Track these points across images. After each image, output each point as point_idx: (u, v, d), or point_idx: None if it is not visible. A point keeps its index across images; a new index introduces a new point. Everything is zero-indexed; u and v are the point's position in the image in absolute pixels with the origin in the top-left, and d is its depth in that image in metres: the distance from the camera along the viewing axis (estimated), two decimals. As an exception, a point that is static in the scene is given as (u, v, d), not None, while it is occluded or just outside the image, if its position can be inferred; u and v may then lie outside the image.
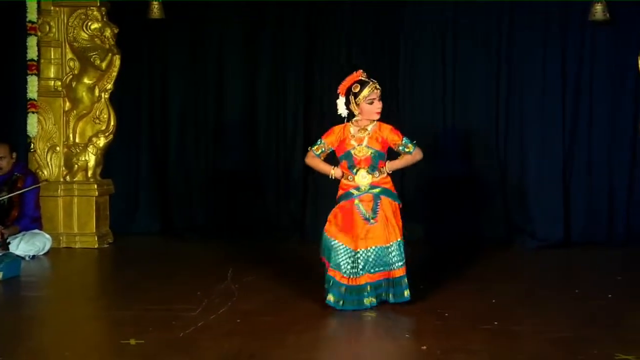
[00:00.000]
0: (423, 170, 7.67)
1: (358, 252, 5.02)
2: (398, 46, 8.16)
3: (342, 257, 5.01)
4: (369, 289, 5.00)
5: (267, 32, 8.47)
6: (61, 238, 7.80)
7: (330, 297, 4.98)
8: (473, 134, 8.10)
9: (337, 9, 8.32)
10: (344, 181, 5.21)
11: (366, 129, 5.17)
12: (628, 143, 7.81)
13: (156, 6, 7.86)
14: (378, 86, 5.15)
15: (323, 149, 5.30)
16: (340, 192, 5.23)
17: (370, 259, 5.01)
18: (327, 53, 8.36)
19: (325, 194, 8.21)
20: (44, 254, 7.32)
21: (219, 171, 8.54)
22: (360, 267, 5.00)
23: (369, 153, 5.13)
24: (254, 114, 8.52)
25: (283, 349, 4.23)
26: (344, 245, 5.03)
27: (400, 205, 5.19)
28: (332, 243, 5.04)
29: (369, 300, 5.00)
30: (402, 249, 5.05)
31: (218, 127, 8.56)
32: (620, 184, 7.85)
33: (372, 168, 5.13)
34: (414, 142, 5.20)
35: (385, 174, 5.18)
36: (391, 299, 5.08)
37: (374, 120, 5.18)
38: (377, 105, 5.13)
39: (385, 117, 5.29)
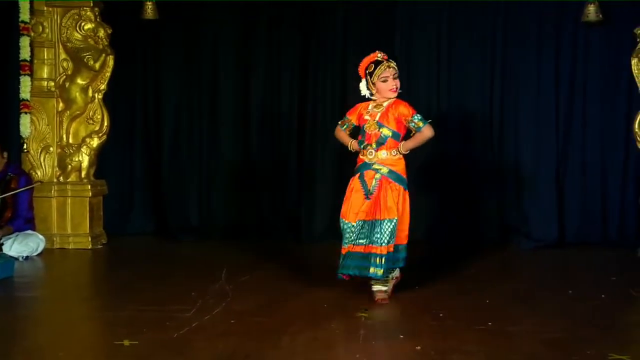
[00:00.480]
0: (418, 171, 7.69)
1: (352, 224, 5.22)
2: (393, 46, 8.17)
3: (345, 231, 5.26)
4: (347, 259, 5.21)
5: (262, 32, 8.47)
6: (55, 239, 7.78)
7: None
8: (467, 134, 8.12)
9: (332, 9, 8.32)
10: (360, 155, 5.39)
11: (382, 105, 5.32)
12: (622, 143, 7.83)
13: (150, 6, 7.87)
14: (393, 64, 5.27)
15: (347, 124, 5.52)
16: (357, 163, 5.42)
17: (360, 232, 5.20)
18: (321, 53, 8.37)
19: (321, 194, 8.27)
20: (38, 254, 7.31)
21: (213, 171, 8.55)
22: (353, 237, 5.21)
23: (378, 128, 5.26)
24: (248, 114, 8.52)
25: (278, 350, 4.23)
26: (346, 221, 5.27)
27: (406, 192, 5.28)
28: (341, 223, 5.29)
29: (343, 270, 5.24)
30: (392, 230, 5.15)
31: (212, 127, 8.55)
32: (614, 185, 7.89)
33: (378, 144, 5.26)
34: (429, 120, 5.28)
35: (398, 155, 5.28)
36: (364, 272, 5.20)
37: (391, 98, 5.31)
38: (392, 83, 5.26)
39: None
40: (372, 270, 5.14)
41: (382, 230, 5.15)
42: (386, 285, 5.30)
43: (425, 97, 8.14)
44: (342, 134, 5.55)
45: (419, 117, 5.26)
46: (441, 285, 5.85)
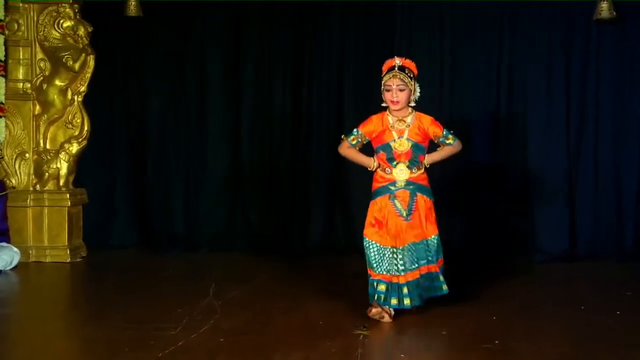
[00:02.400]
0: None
1: (395, 249, 5.26)
2: (392, 48, 8.17)
3: (381, 256, 5.27)
4: (407, 289, 5.22)
5: (253, 31, 8.47)
6: (30, 251, 7.76)
7: (394, 300, 5.23)
8: (472, 142, 8.10)
9: (328, 9, 8.33)
10: (380, 173, 5.37)
11: (405, 121, 5.35)
12: (636, 149, 7.86)
13: (133, 3, 7.88)
14: (400, 75, 5.26)
15: (359, 140, 5.44)
16: (375, 185, 5.40)
17: (407, 257, 5.24)
18: (316, 54, 8.38)
19: (315, 204, 8.27)
20: (12, 268, 7.29)
21: (200, 179, 8.54)
22: (400, 264, 5.24)
23: (410, 146, 5.32)
24: (238, 118, 8.52)
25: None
26: (382, 246, 5.28)
27: (433, 202, 5.42)
28: (373, 246, 5.30)
29: (408, 301, 5.22)
30: (438, 245, 5.35)
31: (200, 131, 8.54)
32: (629, 193, 7.90)
33: (412, 162, 5.33)
34: (452, 132, 5.43)
35: (423, 169, 5.39)
36: (429, 293, 5.34)
37: (412, 111, 5.38)
38: (393, 94, 5.27)
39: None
40: (444, 287, 5.37)
41: (430, 248, 5.32)
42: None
43: (427, 103, 8.09)
44: (353, 152, 5.49)
45: (449, 132, 5.41)
46: (444, 301, 5.83)
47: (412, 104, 5.36)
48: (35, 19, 7.90)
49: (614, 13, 7.45)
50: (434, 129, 5.37)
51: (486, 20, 8.12)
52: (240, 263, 7.60)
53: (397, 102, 5.28)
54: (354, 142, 5.44)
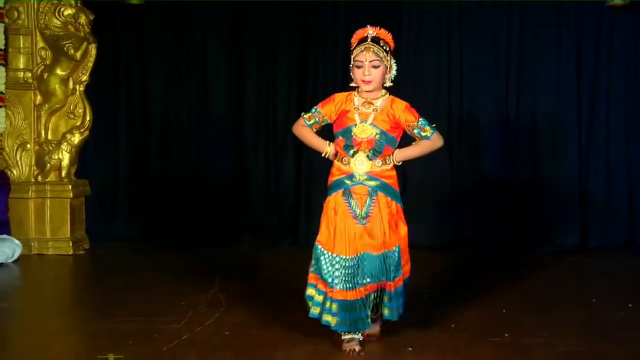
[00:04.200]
0: (427, 174, 7.78)
1: (349, 258, 4.47)
2: (399, 44, 8.16)
3: (332, 267, 4.50)
4: (359, 305, 4.45)
5: (256, 22, 8.47)
6: (32, 244, 7.81)
7: (315, 310, 4.56)
8: (481, 136, 8.14)
9: (333, 7, 8.35)
10: (337, 164, 4.64)
11: (372, 103, 4.56)
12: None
13: (135, -10, 7.91)
14: (375, 48, 4.48)
15: (317, 119, 4.67)
16: (330, 179, 4.67)
17: (362, 268, 4.45)
18: (320, 50, 8.38)
19: (318, 196, 8.29)
20: (14, 261, 7.34)
21: (204, 172, 8.56)
22: (354, 276, 4.46)
23: (374, 134, 4.50)
24: (242, 111, 8.55)
25: (274, 364, 4.30)
26: (336, 255, 4.50)
27: (402, 208, 4.62)
28: (324, 254, 4.54)
29: (333, 320, 4.49)
30: (399, 257, 4.51)
31: (203, 124, 8.57)
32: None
33: (375, 153, 4.52)
34: (434, 125, 4.59)
35: (391, 165, 4.57)
36: (386, 313, 4.58)
37: (386, 93, 4.59)
38: (365, 72, 4.48)
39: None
40: (386, 312, 4.56)
41: (389, 262, 4.49)
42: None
43: (433, 98, 8.14)
44: (307, 131, 4.73)
45: (426, 123, 4.56)
46: (453, 294, 5.89)
47: (388, 84, 4.57)
48: (35, 6, 7.89)
49: (628, -1, 7.48)
50: (407, 116, 4.51)
51: (494, 13, 8.12)
52: (244, 257, 7.64)
53: (370, 81, 4.49)
54: (310, 122, 4.68)
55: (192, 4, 8.50)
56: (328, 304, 4.47)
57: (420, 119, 4.55)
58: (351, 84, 4.61)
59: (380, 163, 4.53)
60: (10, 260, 7.29)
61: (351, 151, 4.55)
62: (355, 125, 4.52)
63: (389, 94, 4.60)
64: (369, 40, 4.47)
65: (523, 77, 8.09)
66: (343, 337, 4.52)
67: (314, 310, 4.53)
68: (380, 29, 4.52)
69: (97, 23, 8.03)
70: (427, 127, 4.55)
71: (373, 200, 4.51)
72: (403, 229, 4.59)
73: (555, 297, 5.98)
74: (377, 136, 4.50)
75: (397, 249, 4.51)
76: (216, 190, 8.54)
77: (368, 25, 4.55)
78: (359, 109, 4.55)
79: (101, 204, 8.59)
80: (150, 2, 8.04)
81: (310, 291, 4.56)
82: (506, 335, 4.76)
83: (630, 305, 5.61)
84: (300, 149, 8.37)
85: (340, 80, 8.23)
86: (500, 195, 8.10)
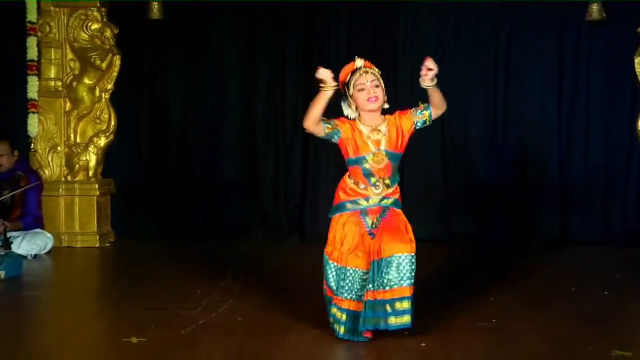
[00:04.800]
0: (422, 175, 7.76)
1: (364, 270, 4.28)
2: (396, 45, 8.16)
3: (351, 281, 4.29)
4: (365, 308, 4.23)
5: (266, 32, 8.45)
6: (63, 237, 7.81)
7: (342, 329, 4.30)
8: (471, 133, 8.11)
9: (335, 8, 8.31)
10: (352, 186, 4.39)
11: (379, 130, 4.36)
12: (625, 142, 7.87)
13: (156, 7, 7.90)
14: (370, 69, 4.33)
15: (330, 123, 4.35)
16: (343, 196, 4.42)
17: (374, 274, 4.27)
18: (324, 54, 8.35)
19: (324, 195, 8.28)
20: (46, 253, 7.33)
21: (218, 171, 8.54)
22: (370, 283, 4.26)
23: (388, 159, 4.33)
24: (253, 114, 8.52)
25: (284, 346, 4.28)
26: (353, 268, 4.29)
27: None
28: (339, 269, 4.31)
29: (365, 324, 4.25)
30: (412, 265, 4.25)
31: (217, 127, 8.55)
32: (616, 183, 7.91)
33: (392, 180, 4.38)
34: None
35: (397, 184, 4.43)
36: (392, 323, 4.25)
37: (385, 117, 4.39)
38: (370, 91, 4.30)
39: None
40: (406, 319, 4.24)
41: (402, 268, 4.23)
42: None
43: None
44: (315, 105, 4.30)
45: (421, 108, 4.40)
46: (445, 284, 5.86)
47: (386, 106, 4.39)
48: (65, 21, 7.92)
49: (604, 15, 7.46)
50: (404, 118, 4.37)
51: (486, 17, 8.10)
52: (255, 249, 7.62)
53: (376, 98, 4.29)
54: (325, 123, 4.35)
55: (208, 20, 8.48)
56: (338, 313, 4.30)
57: (413, 109, 4.40)
58: (350, 115, 4.39)
59: (394, 185, 4.40)
60: (43, 252, 7.29)
61: (372, 179, 4.34)
62: (371, 154, 4.32)
63: (384, 116, 4.41)
64: (362, 68, 4.33)
65: (510, 78, 8.06)
66: None
67: (340, 330, 4.30)
68: (366, 60, 4.37)
69: (121, 36, 8.04)
70: (422, 105, 4.40)
71: (386, 214, 4.38)
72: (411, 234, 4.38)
73: (540, 286, 5.94)
74: (392, 162, 4.35)
75: (411, 256, 4.26)
76: (230, 189, 8.51)
77: (356, 57, 4.38)
78: (370, 138, 4.33)
79: (125, 201, 8.56)
80: (168, 17, 8.01)
81: (334, 311, 4.32)
82: (494, 320, 4.72)
83: (606, 293, 5.59)
84: (306, 152, 8.36)
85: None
86: (488, 192, 8.07)
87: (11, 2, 7.70)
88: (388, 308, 4.23)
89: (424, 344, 4.26)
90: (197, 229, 8.42)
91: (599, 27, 7.71)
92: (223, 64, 8.53)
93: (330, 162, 8.29)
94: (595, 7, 7.44)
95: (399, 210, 4.42)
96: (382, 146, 4.33)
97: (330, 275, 4.33)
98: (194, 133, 8.62)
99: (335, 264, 4.32)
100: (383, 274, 4.23)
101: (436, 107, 4.41)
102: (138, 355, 4.10)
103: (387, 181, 4.37)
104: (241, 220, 8.44)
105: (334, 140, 4.40)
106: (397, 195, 4.43)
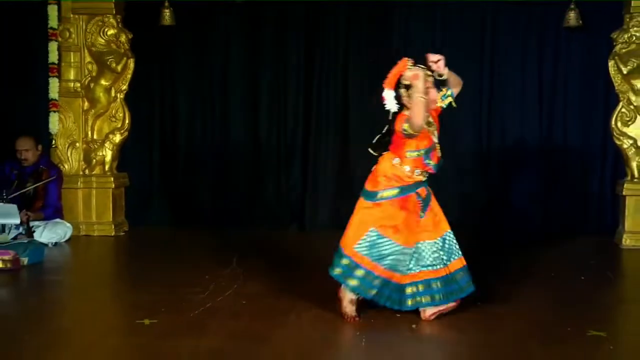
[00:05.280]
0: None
1: (408, 248, 4.36)
2: (391, 46, 8.11)
3: (390, 251, 4.33)
4: (417, 288, 4.35)
5: (268, 33, 8.41)
6: (81, 226, 7.80)
7: (353, 282, 4.37)
8: (458, 133, 8.08)
9: (335, 9, 8.23)
10: (407, 173, 4.39)
11: (432, 123, 4.45)
12: (599, 140, 7.86)
13: (167, 13, 7.87)
14: (429, 72, 4.39)
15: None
16: (401, 182, 4.40)
17: (423, 254, 4.38)
18: (325, 53, 8.31)
19: (323, 187, 8.30)
20: (66, 241, 7.32)
21: (225, 165, 8.51)
22: (411, 264, 4.37)
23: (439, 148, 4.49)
24: (257, 110, 8.45)
25: (285, 327, 4.30)
26: (395, 243, 4.35)
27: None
28: (384, 240, 4.35)
29: (413, 301, 4.36)
30: (454, 240, 4.46)
31: (223, 123, 8.50)
32: (593, 180, 7.91)
33: (439, 165, 4.51)
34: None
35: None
36: (451, 296, 4.39)
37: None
38: (433, 93, 4.42)
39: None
40: (467, 285, 4.44)
41: (448, 244, 4.46)
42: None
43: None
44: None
45: (443, 93, 4.49)
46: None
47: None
48: (84, 27, 7.90)
49: (581, 22, 7.45)
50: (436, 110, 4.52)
51: (473, 20, 8.04)
52: (259, 238, 7.59)
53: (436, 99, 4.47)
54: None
55: (215, 26, 8.44)
56: (370, 277, 4.33)
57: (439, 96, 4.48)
58: (392, 109, 4.40)
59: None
60: (63, 240, 7.28)
61: (431, 164, 4.45)
62: (436, 143, 4.47)
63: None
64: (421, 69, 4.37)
65: (495, 77, 8.02)
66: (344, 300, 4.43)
67: (337, 271, 4.44)
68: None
69: (135, 41, 8.01)
70: (448, 92, 4.49)
71: (430, 196, 4.50)
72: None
73: (522, 273, 5.92)
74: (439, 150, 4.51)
75: (450, 233, 4.48)
76: (235, 182, 8.48)
77: (405, 58, 4.41)
78: (431, 132, 4.45)
79: (138, 193, 8.53)
80: (179, 23, 7.99)
81: (345, 261, 4.42)
82: (478, 303, 4.71)
83: (582, 278, 5.60)
84: (306, 149, 8.34)
85: (341, 78, 8.25)
86: (471, 182, 8.07)
87: (34, 10, 7.71)
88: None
89: (414, 325, 4.27)
90: (205, 220, 8.40)
91: (576, 33, 7.69)
92: (228, 65, 8.47)
93: (328, 155, 8.29)
94: (572, 14, 7.44)
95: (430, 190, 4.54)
96: (436, 137, 4.48)
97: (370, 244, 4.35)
98: (202, 130, 8.58)
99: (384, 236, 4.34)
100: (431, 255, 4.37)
101: (455, 86, 4.52)
102: (150, 335, 4.10)
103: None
104: (246, 211, 8.41)
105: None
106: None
